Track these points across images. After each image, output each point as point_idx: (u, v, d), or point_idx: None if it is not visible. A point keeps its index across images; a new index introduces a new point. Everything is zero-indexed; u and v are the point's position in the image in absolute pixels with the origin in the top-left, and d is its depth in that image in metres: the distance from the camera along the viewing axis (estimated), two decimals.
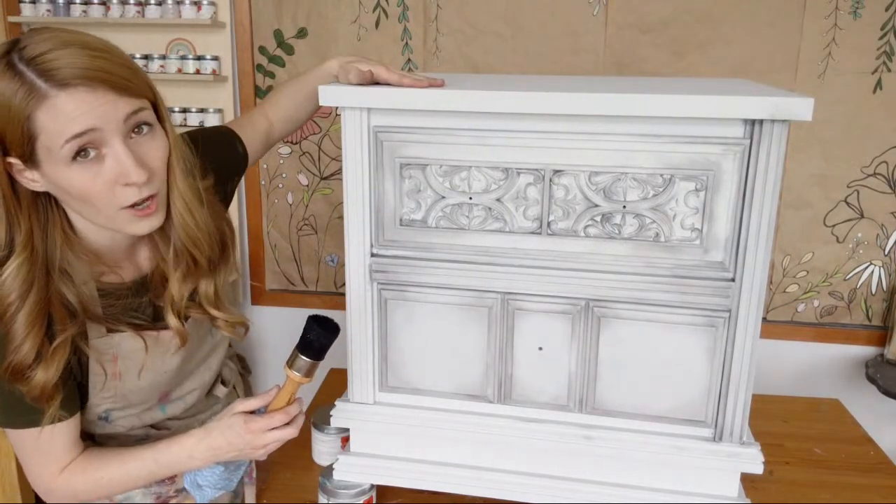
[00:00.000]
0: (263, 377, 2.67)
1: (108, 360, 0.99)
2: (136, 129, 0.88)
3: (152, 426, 1.11)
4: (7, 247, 0.89)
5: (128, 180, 0.87)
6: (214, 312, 1.05)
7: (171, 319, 1.02)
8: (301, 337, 0.99)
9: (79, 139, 0.83)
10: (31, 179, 0.88)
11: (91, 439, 1.08)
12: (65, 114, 0.82)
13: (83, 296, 0.95)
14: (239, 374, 1.29)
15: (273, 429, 0.99)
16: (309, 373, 0.99)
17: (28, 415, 0.94)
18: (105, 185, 0.86)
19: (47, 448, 0.97)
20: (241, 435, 0.98)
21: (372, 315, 1.09)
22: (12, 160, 0.86)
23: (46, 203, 0.92)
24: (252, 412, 1.00)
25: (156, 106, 0.92)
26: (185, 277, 1.01)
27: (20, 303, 0.88)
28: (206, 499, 1.06)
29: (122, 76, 0.86)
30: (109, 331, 0.98)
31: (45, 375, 0.90)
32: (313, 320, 0.98)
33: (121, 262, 1.01)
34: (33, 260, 0.89)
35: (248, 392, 1.30)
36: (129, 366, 1.01)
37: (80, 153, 0.84)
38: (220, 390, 1.21)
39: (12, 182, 0.88)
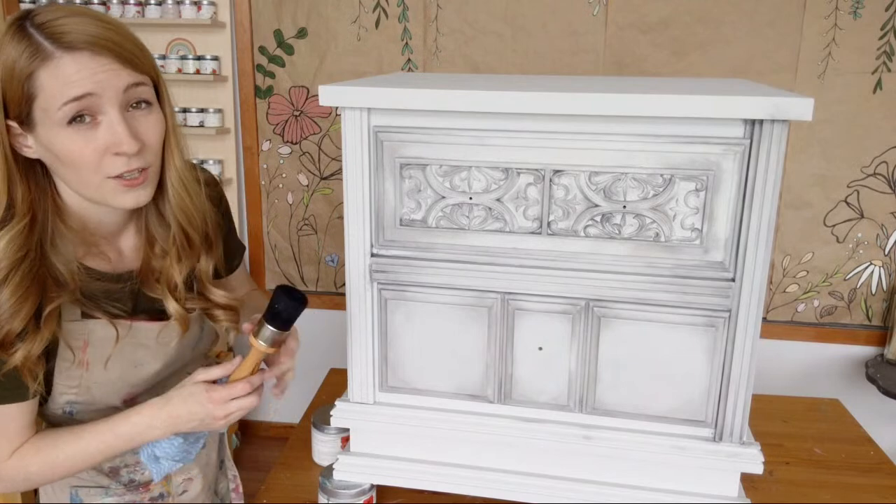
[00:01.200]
0: None
1: (79, 346, 0.97)
2: (135, 104, 0.90)
3: None
4: (5, 213, 0.88)
5: (118, 149, 0.88)
6: (215, 292, 1.04)
7: (172, 305, 1.01)
8: (268, 307, 0.97)
9: (76, 102, 0.85)
10: (25, 145, 0.88)
11: None
12: (66, 76, 0.84)
13: (70, 272, 0.94)
14: None
15: (234, 399, 0.96)
16: (275, 343, 0.98)
17: None
18: (95, 151, 0.87)
19: (3, 425, 0.94)
20: (203, 404, 0.95)
21: (372, 315, 1.09)
22: (11, 122, 0.87)
23: (40, 171, 0.92)
24: (214, 382, 0.98)
25: (157, 86, 0.94)
26: (181, 258, 1.01)
27: (12, 272, 0.87)
28: (164, 472, 1.03)
29: (127, 48, 0.88)
30: (84, 315, 0.96)
31: (31, 347, 0.89)
32: (282, 291, 0.96)
33: (104, 247, 1.00)
34: (31, 228, 0.89)
35: None
36: (97, 356, 0.98)
37: (77, 118, 0.86)
38: None
39: (12, 148, 0.89)
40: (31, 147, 0.89)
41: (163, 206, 0.99)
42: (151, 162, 0.92)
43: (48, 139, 0.87)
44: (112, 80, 0.86)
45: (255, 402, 0.99)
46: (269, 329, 0.97)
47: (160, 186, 0.97)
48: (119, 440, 0.97)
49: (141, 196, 0.93)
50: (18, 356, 0.88)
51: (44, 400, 1.00)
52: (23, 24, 0.85)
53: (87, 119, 0.86)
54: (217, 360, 1.28)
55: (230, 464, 1.27)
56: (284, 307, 0.96)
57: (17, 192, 0.89)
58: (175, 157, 0.95)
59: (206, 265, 1.04)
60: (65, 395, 1.00)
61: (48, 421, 1.04)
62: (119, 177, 0.90)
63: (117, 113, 0.87)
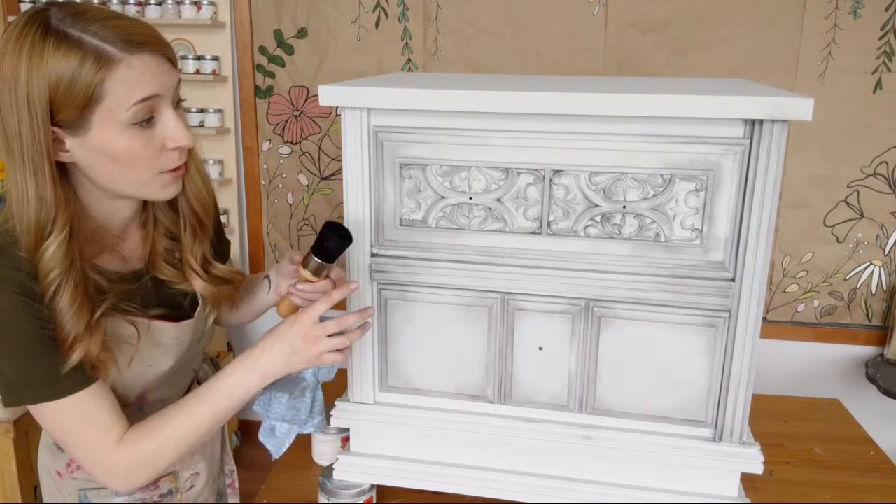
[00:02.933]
0: None
1: None
2: (176, 101, 0.93)
3: None
4: (48, 222, 0.87)
5: (178, 144, 0.91)
6: (218, 267, 1.06)
7: (199, 283, 1.03)
8: (317, 241, 0.99)
9: (145, 103, 0.87)
10: (62, 150, 0.88)
11: (61, 450, 1.05)
12: (133, 77, 0.85)
13: (99, 274, 0.95)
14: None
15: (329, 334, 0.96)
16: (317, 272, 1.00)
17: (61, 383, 0.90)
18: (154, 149, 0.90)
19: (95, 414, 0.92)
20: (289, 337, 0.96)
21: (372, 315, 1.09)
22: (55, 129, 0.86)
23: (65, 176, 0.93)
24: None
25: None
26: (196, 240, 1.03)
27: (64, 280, 0.88)
28: (280, 446, 1.05)
29: (170, 47, 0.90)
30: (102, 316, 0.95)
31: (88, 346, 0.90)
32: (329, 228, 0.98)
33: (114, 245, 1.00)
34: (72, 235, 0.89)
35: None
36: (116, 356, 0.97)
37: (141, 118, 0.87)
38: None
39: None
40: (69, 151, 0.88)
41: (180, 197, 1.01)
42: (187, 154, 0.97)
43: (105, 140, 0.87)
44: (168, 81, 0.89)
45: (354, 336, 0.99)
46: (315, 261, 0.99)
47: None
48: (229, 397, 0.96)
49: (179, 187, 0.97)
50: (76, 355, 0.89)
51: None
52: (64, 31, 0.83)
53: (148, 118, 0.88)
54: (217, 359, 1.29)
55: (228, 458, 1.27)
56: (332, 244, 0.98)
57: (62, 199, 0.88)
58: (193, 148, 0.98)
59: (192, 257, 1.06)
60: None
61: None
62: (171, 170, 0.93)
63: (172, 111, 0.90)
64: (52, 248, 0.87)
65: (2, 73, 0.84)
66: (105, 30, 0.84)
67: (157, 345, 1.02)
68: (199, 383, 1.16)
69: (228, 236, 1.25)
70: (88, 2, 2.46)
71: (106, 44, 0.83)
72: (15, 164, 0.86)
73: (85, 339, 0.89)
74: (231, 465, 1.28)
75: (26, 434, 1.97)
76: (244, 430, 2.78)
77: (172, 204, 1.02)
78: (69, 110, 0.84)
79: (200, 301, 1.09)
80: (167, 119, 0.90)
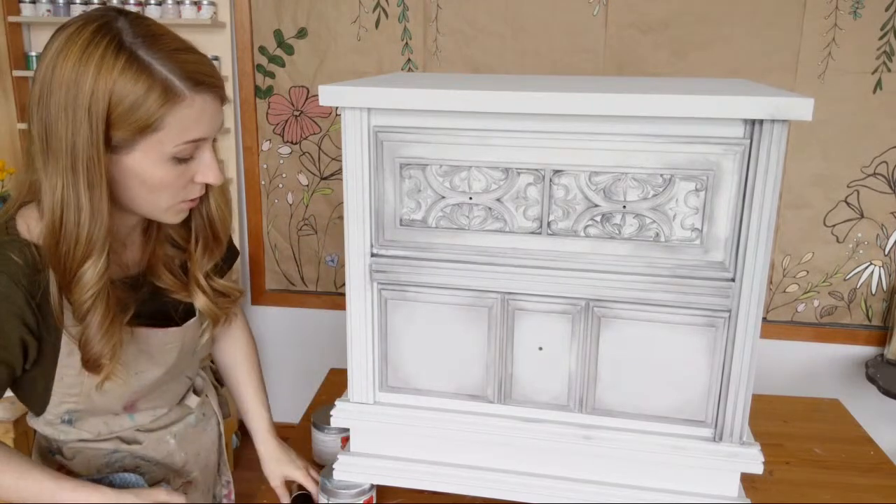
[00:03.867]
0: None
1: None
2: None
3: (122, 439, 1.06)
4: (98, 238, 0.86)
5: (209, 181, 0.92)
6: (216, 281, 1.05)
7: (200, 300, 1.03)
8: None
9: (195, 143, 0.87)
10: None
11: (60, 453, 1.03)
12: (190, 117, 0.85)
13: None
14: (212, 385, 1.24)
15: None
16: None
17: None
18: (184, 181, 0.90)
19: None
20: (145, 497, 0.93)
21: (372, 315, 1.09)
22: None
23: None
24: None
25: None
26: (205, 254, 1.03)
27: (97, 299, 0.87)
28: None
29: (224, 88, 0.90)
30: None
31: (116, 365, 0.91)
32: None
33: (111, 256, 0.98)
34: (109, 252, 0.88)
35: (222, 403, 1.26)
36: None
37: (184, 155, 0.88)
38: (192, 400, 1.16)
39: None
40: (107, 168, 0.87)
41: (194, 209, 0.99)
42: None
43: (142, 165, 0.86)
44: (217, 123, 0.90)
45: None
46: None
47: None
48: (48, 495, 0.91)
49: (187, 213, 0.97)
50: (101, 376, 0.91)
51: (41, 409, 0.99)
52: (136, 53, 0.82)
53: (190, 156, 0.89)
54: (211, 364, 1.28)
55: (225, 468, 1.26)
56: None
57: (102, 216, 0.87)
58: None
59: (200, 272, 1.05)
60: (65, 403, 0.98)
61: (48, 433, 1.01)
62: (189, 200, 0.93)
63: (211, 150, 0.91)
64: (97, 266, 0.86)
65: (62, 75, 0.82)
66: (174, 63, 0.83)
67: (142, 352, 1.00)
68: (196, 392, 1.16)
69: None
70: (88, 1, 2.46)
71: (174, 77, 0.83)
72: (58, 170, 0.83)
73: (111, 360, 0.90)
74: (228, 476, 1.26)
75: (26, 434, 1.97)
76: (244, 430, 2.78)
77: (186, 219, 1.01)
78: (122, 131, 0.83)
79: (198, 313, 1.07)
80: (204, 157, 0.90)
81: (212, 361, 1.27)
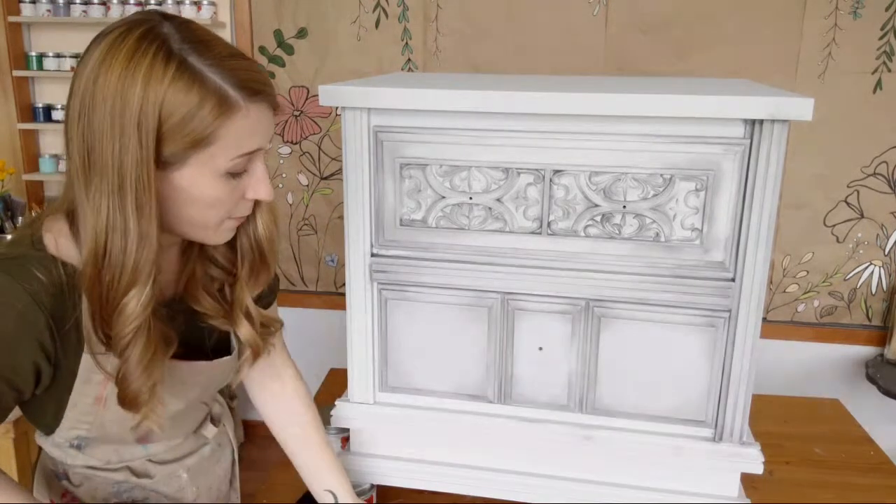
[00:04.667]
0: None
1: (98, 381, 0.87)
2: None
3: (132, 471, 0.99)
4: (146, 265, 0.78)
5: (260, 197, 0.84)
6: (254, 311, 0.96)
7: (245, 331, 0.93)
8: None
9: (249, 156, 0.80)
10: None
11: (67, 478, 0.98)
12: (246, 129, 0.78)
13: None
14: (228, 408, 1.16)
15: None
16: None
17: None
18: (235, 198, 0.83)
19: None
20: None
21: (372, 315, 1.09)
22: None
23: None
24: None
25: None
26: (251, 276, 0.94)
27: (139, 331, 0.80)
28: None
29: (276, 96, 0.83)
30: (109, 348, 0.84)
31: (158, 402, 0.84)
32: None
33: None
34: (156, 281, 0.80)
35: (237, 426, 1.21)
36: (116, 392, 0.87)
37: (238, 169, 0.81)
38: (209, 430, 1.07)
39: None
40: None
41: (240, 229, 0.91)
42: None
43: (194, 181, 0.79)
44: (270, 133, 0.83)
45: None
46: None
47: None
48: None
49: (233, 233, 0.89)
50: (141, 415, 0.84)
51: (50, 431, 0.93)
52: (186, 61, 0.74)
53: (243, 170, 0.82)
54: (230, 388, 1.22)
55: (236, 495, 1.18)
56: None
57: (151, 240, 0.79)
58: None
59: (249, 300, 0.96)
60: (75, 429, 0.92)
61: (53, 451, 0.96)
62: (237, 217, 0.86)
63: (263, 164, 0.83)
64: (142, 295, 0.78)
65: (105, 87, 0.74)
66: (227, 70, 0.76)
67: (162, 383, 0.89)
68: (214, 421, 1.08)
69: None
70: (89, 1, 2.46)
71: (228, 86, 0.76)
72: (103, 192, 0.76)
73: (150, 398, 0.83)
74: (237, 499, 1.19)
75: (26, 434, 1.97)
76: (244, 430, 2.78)
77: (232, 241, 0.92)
78: (173, 146, 0.76)
79: (235, 347, 0.98)
80: (257, 171, 0.83)
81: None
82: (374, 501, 1.16)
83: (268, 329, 0.99)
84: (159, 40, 0.75)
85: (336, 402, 1.13)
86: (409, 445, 1.13)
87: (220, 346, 0.97)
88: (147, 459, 1.00)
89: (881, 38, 2.20)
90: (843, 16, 2.19)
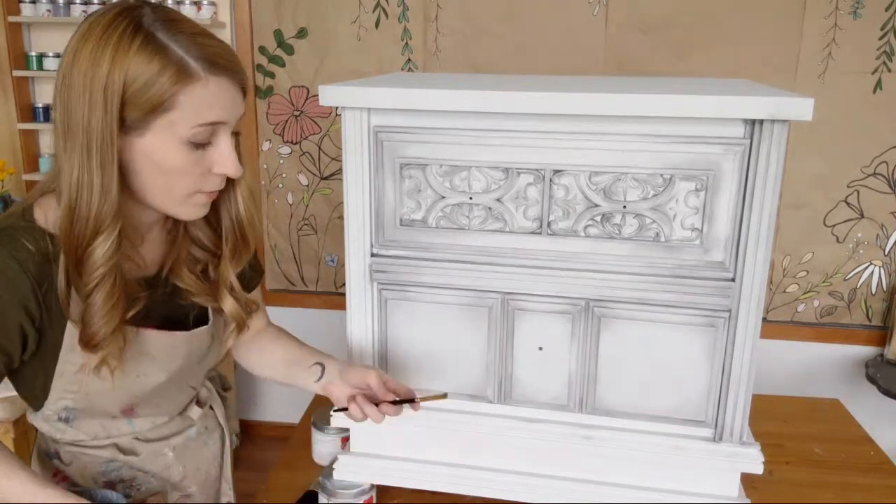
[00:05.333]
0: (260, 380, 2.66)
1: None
2: (234, 132, 0.92)
3: (119, 448, 1.03)
4: (108, 216, 0.86)
5: (227, 173, 0.90)
6: (228, 303, 1.03)
7: (229, 304, 1.01)
8: None
9: (209, 126, 0.86)
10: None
11: (58, 457, 1.02)
12: (205, 99, 0.85)
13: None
14: (218, 394, 1.20)
15: None
16: None
17: None
18: (201, 170, 0.89)
19: None
20: None
21: (372, 315, 1.09)
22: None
23: None
24: None
25: None
26: (234, 255, 1.01)
27: (105, 278, 0.87)
28: None
29: (246, 77, 0.90)
30: None
31: (115, 350, 0.90)
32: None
33: (131, 249, 0.97)
34: (120, 234, 0.88)
35: (232, 418, 1.21)
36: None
37: (199, 139, 0.87)
38: (195, 411, 1.11)
39: None
40: (120, 150, 0.87)
41: (222, 211, 0.98)
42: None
43: (156, 148, 0.86)
44: (235, 110, 0.89)
45: None
46: None
47: (225, 193, 0.97)
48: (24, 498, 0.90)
49: (206, 210, 0.95)
50: (97, 358, 0.90)
51: (39, 404, 0.98)
52: (153, 34, 0.83)
53: (205, 140, 0.88)
54: (217, 372, 1.25)
55: (227, 487, 1.20)
56: None
57: (113, 194, 0.87)
58: (247, 170, 0.96)
59: (233, 276, 1.03)
60: (62, 399, 0.97)
61: (42, 426, 1.00)
62: (208, 192, 0.92)
63: (229, 139, 0.89)
64: (106, 245, 0.86)
65: (81, 58, 0.83)
66: (192, 44, 0.84)
67: (145, 354, 0.98)
68: (199, 403, 1.13)
69: None
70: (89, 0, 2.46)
71: (190, 58, 0.83)
72: (75, 152, 0.84)
73: (109, 342, 0.89)
74: (230, 495, 1.21)
75: (26, 434, 1.97)
76: (244, 430, 2.79)
77: (209, 221, 1.00)
78: (135, 110, 0.83)
79: (211, 317, 1.04)
80: (222, 145, 0.89)
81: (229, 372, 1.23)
82: (374, 501, 1.16)
83: (247, 308, 1.06)
84: (132, 17, 0.84)
85: None
86: (409, 445, 1.13)
87: (199, 322, 1.03)
88: (134, 437, 1.04)
89: (881, 38, 2.20)
90: (843, 16, 2.19)
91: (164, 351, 1.00)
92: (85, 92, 0.83)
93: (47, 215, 0.90)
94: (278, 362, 1.16)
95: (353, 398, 1.02)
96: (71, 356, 0.93)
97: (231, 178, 0.92)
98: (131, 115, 0.84)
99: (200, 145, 0.87)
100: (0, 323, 0.87)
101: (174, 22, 0.85)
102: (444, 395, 1.03)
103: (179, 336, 1.01)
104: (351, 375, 1.04)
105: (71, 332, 0.91)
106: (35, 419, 1.02)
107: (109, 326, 0.89)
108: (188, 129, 0.85)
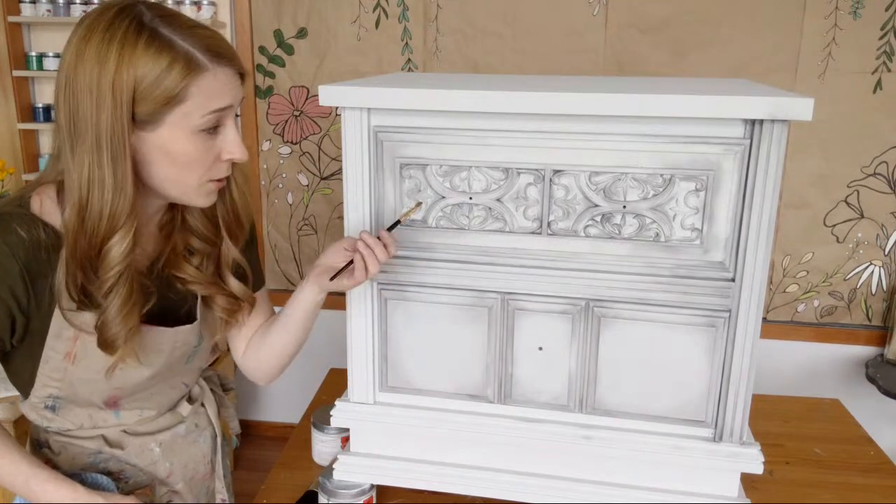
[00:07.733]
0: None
1: (68, 337, 0.93)
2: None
3: (106, 440, 1.03)
4: (123, 214, 0.88)
5: (234, 156, 0.93)
6: (232, 281, 1.05)
7: (233, 282, 1.04)
8: None
9: (219, 113, 0.89)
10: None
11: (47, 446, 1.03)
12: (215, 88, 0.88)
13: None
14: (211, 392, 1.18)
15: None
16: None
17: None
18: (211, 157, 0.91)
19: None
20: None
21: (372, 315, 1.09)
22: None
23: None
24: None
25: None
26: (230, 239, 1.03)
27: (121, 278, 0.89)
28: None
29: (243, 64, 0.94)
30: (81, 306, 0.92)
31: (130, 349, 0.92)
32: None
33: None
34: (137, 231, 0.90)
35: (232, 418, 1.22)
36: (86, 350, 0.94)
37: (210, 126, 0.90)
38: (185, 408, 1.11)
39: None
40: (131, 144, 0.88)
41: (219, 201, 1.00)
42: None
43: (170, 139, 0.88)
44: (238, 95, 0.92)
45: None
46: None
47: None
48: (22, 487, 0.95)
49: (216, 197, 0.98)
50: (113, 359, 0.93)
51: (27, 392, 0.99)
52: (156, 30, 0.85)
53: (216, 127, 0.91)
54: (216, 372, 1.25)
55: (220, 485, 1.18)
56: None
57: (128, 193, 0.89)
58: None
59: (236, 253, 1.05)
60: (48, 387, 0.98)
61: (31, 415, 1.02)
62: (217, 180, 0.94)
63: (234, 124, 0.93)
64: (123, 244, 0.88)
65: (85, 58, 0.84)
66: (194, 37, 0.87)
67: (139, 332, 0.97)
68: (191, 400, 1.13)
69: None
70: (88, 0, 2.46)
71: (195, 50, 0.86)
72: (84, 151, 0.86)
73: (126, 344, 0.91)
74: (225, 495, 1.20)
75: (26, 434, 1.97)
76: (244, 430, 2.78)
77: (205, 211, 1.02)
78: (148, 106, 0.85)
79: (199, 316, 1.04)
80: (229, 131, 0.92)
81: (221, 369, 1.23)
82: (374, 501, 1.16)
83: (239, 307, 1.08)
84: (132, 15, 0.86)
85: (336, 402, 1.13)
86: (409, 445, 1.13)
87: (185, 319, 1.04)
88: (121, 430, 1.05)
89: (881, 38, 2.20)
90: (843, 16, 2.19)
91: (146, 346, 0.99)
92: (92, 91, 0.84)
93: (43, 204, 0.92)
94: (279, 328, 1.15)
95: (344, 253, 1.01)
96: (57, 343, 0.94)
97: (236, 162, 0.95)
98: (143, 110, 0.86)
99: (211, 132, 0.90)
100: None
101: (172, 17, 0.88)
102: (419, 204, 1.03)
103: (162, 332, 1.00)
104: (324, 259, 1.05)
105: (58, 319, 0.93)
106: (24, 407, 1.04)
107: (128, 325, 0.91)
108: (200, 117, 0.88)
